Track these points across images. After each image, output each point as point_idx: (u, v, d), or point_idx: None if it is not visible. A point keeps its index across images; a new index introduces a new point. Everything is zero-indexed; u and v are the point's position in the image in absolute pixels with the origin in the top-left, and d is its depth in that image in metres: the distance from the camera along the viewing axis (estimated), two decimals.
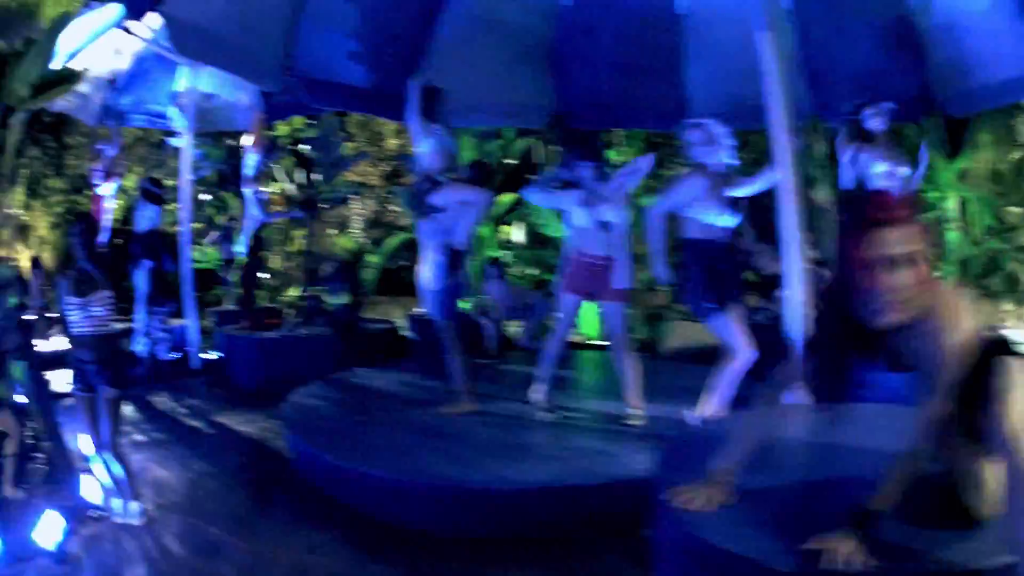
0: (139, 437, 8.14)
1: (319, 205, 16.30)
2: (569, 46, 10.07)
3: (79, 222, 5.76)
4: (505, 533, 5.54)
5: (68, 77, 7.11)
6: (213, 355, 11.72)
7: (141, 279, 10.56)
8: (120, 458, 5.78)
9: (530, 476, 5.73)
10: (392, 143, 22.52)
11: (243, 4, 7.84)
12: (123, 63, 11.95)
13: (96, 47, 10.82)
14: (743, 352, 5.94)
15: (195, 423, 8.99)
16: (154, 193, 11.44)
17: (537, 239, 14.08)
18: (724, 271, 6.05)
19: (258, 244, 12.27)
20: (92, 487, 5.96)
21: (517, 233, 14.55)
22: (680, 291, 6.18)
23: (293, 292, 16.10)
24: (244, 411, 9.20)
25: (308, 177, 16.32)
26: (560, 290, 7.16)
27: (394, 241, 17.03)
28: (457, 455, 6.19)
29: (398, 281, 17.34)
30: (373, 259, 16.80)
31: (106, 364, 5.56)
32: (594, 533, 5.44)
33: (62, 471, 6.12)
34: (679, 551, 3.34)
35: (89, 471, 6.01)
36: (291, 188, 16.49)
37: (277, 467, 7.31)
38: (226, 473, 7.19)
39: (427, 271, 7.47)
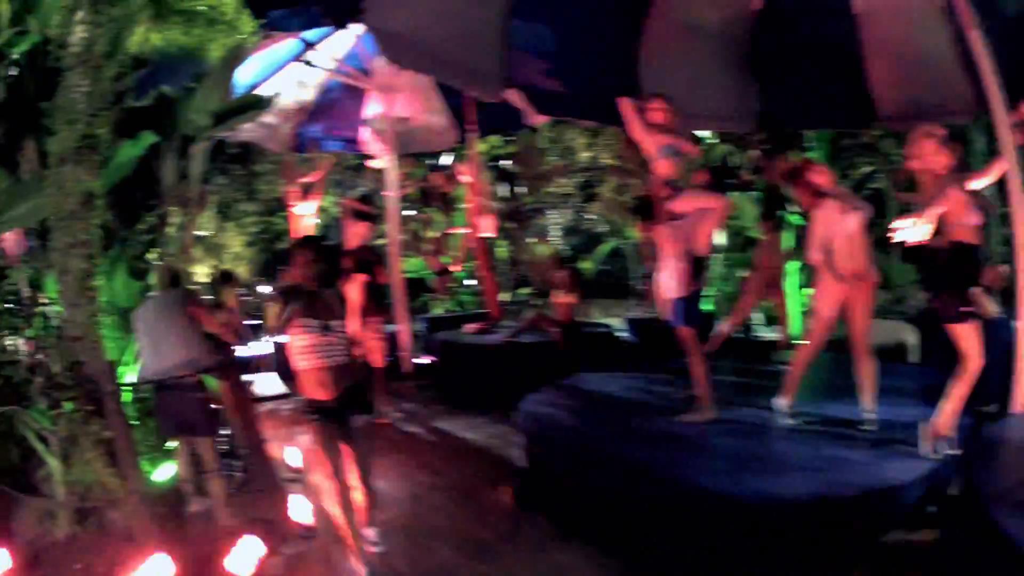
0: None
1: (524, 216, 16.42)
2: (764, 48, 9.49)
3: (310, 244, 5.22)
4: (762, 548, 4.97)
5: (254, 104, 7.11)
6: (425, 359, 11.56)
7: (354, 292, 10.42)
8: (367, 484, 5.04)
9: (790, 489, 5.18)
10: (584, 155, 22.34)
11: (455, 17, 7.69)
12: (308, 94, 12.43)
13: (279, 80, 11.19)
14: (978, 359, 5.46)
15: (415, 430, 8.54)
16: (364, 211, 11.40)
17: (742, 241, 13.35)
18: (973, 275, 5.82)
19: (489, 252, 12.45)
20: (301, 504, 5.49)
21: (719, 236, 13.83)
22: (935, 294, 5.72)
23: (502, 297, 15.90)
24: (466, 418, 8.71)
25: (512, 190, 16.47)
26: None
27: (605, 247, 17.18)
28: (711, 467, 5.64)
29: (599, 284, 17.19)
30: (586, 265, 16.54)
31: (355, 397, 5.00)
32: (842, 544, 4.98)
33: (261, 483, 5.83)
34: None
35: (298, 485, 5.65)
36: (495, 202, 16.54)
37: (511, 479, 6.65)
38: (454, 486, 6.59)
39: (669, 278, 7.02)
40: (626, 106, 6.99)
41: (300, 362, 4.80)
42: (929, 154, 5.43)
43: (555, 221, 23.18)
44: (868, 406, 6.40)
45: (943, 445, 5.50)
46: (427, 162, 16.72)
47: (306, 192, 11.72)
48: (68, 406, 5.06)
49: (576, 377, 8.80)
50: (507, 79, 7.99)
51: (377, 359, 9.06)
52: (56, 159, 5.06)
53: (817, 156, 11.63)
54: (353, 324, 8.58)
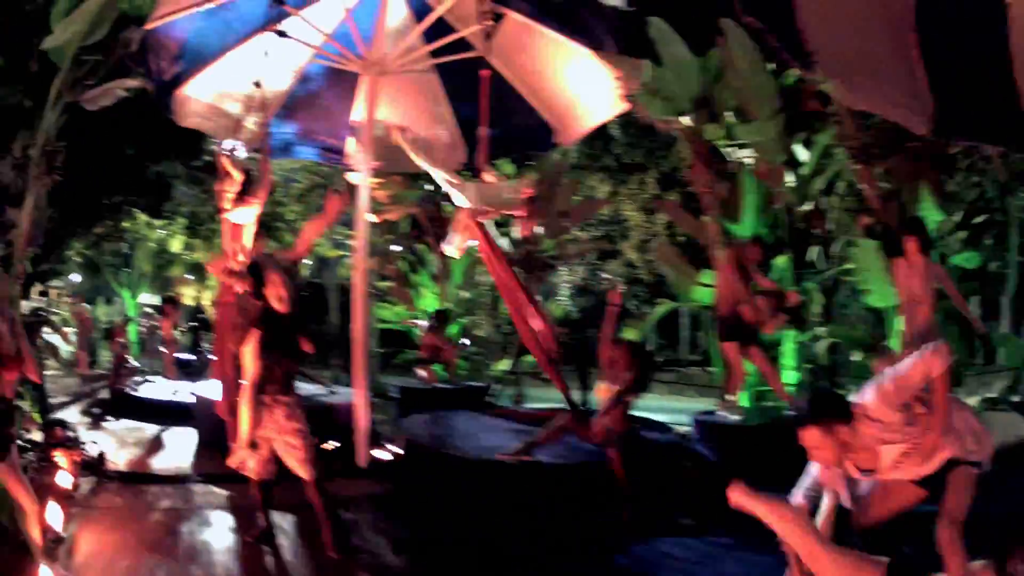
0: None
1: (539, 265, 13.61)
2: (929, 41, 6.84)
3: None
4: None
5: None
6: (388, 453, 8.32)
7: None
8: None
9: None
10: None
11: None
12: (284, 80, 9.76)
13: (245, 52, 8.91)
14: None
15: None
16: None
17: None
18: None
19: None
20: None
21: None
22: None
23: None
24: None
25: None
26: None
27: (660, 310, 13.18)
28: None
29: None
30: (629, 334, 12.97)
31: None
32: None
33: None
34: None
35: None
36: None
37: None
38: None
39: None
40: None
41: None
42: None
43: (565, 278, 20.91)
44: None
45: None
46: (426, 186, 14.02)
47: (244, 194, 8.33)
48: None
49: (652, 544, 5.55)
50: None
51: (306, 468, 5.77)
52: None
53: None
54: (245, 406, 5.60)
